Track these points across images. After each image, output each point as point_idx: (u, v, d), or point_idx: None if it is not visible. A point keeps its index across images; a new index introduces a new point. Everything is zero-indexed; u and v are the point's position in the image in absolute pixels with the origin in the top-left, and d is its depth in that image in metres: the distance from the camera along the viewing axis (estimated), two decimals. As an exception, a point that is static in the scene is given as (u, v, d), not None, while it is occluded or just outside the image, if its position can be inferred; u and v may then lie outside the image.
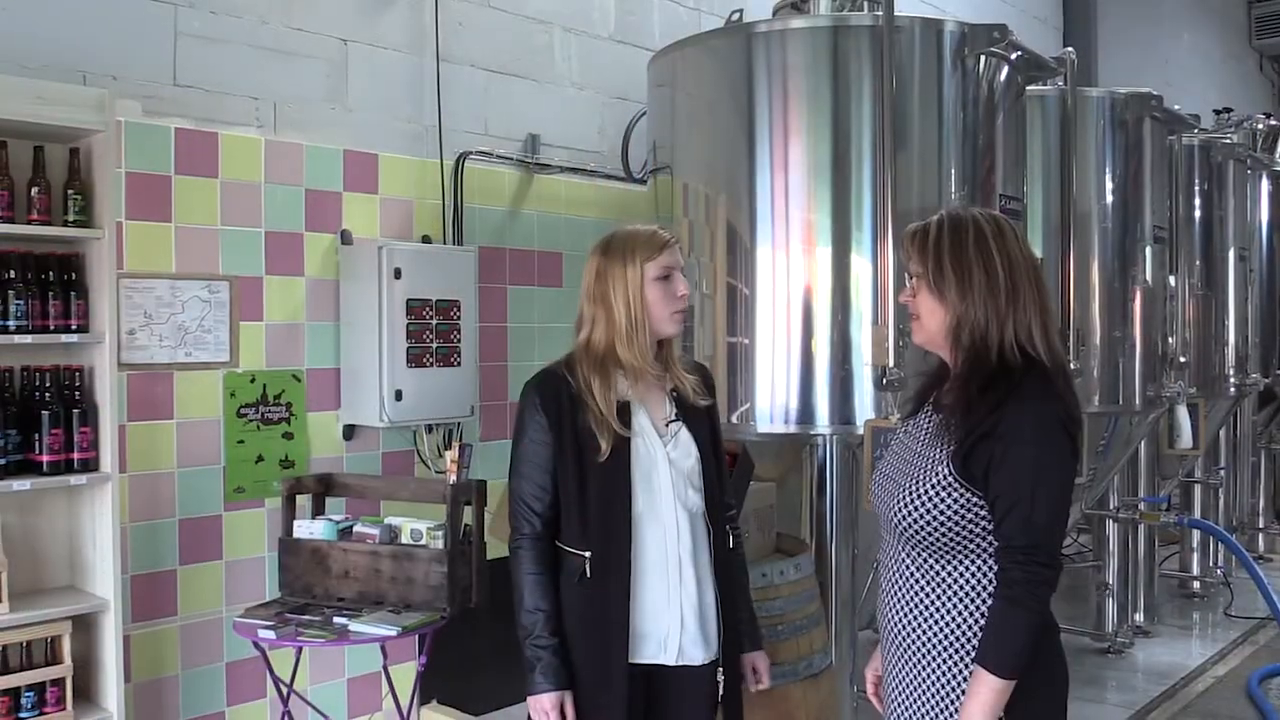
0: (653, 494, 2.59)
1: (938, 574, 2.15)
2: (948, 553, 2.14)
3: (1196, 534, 7.32)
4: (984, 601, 2.11)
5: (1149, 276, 5.67)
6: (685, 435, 2.65)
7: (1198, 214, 6.54)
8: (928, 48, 4.05)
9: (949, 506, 2.10)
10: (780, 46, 4.08)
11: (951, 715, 2.13)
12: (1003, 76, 4.21)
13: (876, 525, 4.17)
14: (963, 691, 2.10)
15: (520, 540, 2.62)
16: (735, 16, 4.61)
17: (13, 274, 3.35)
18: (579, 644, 2.56)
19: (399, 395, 4.24)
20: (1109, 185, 5.49)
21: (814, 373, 4.01)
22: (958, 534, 2.11)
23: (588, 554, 2.55)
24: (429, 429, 4.64)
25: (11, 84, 3.30)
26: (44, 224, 3.38)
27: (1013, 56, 4.19)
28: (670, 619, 2.57)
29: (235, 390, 4.08)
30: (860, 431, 3.88)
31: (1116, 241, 5.49)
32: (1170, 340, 5.91)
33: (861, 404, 3.96)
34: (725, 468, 2.84)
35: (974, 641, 2.11)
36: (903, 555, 2.22)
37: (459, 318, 4.50)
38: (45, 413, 3.35)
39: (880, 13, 3.89)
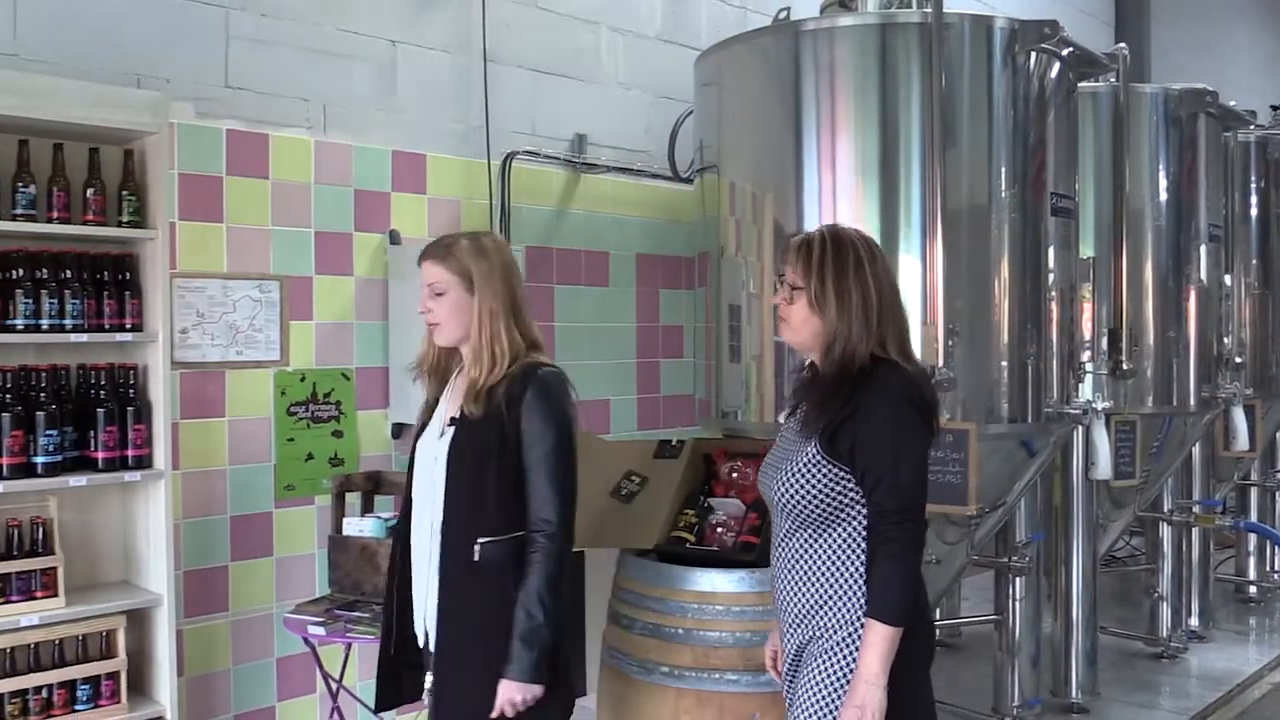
0: (424, 491, 2.80)
1: (816, 544, 2.43)
2: (822, 524, 2.42)
3: (1253, 538, 7.20)
4: (858, 564, 2.39)
5: (1204, 275, 5.58)
6: (447, 441, 2.75)
7: (1254, 211, 6.42)
8: (977, 44, 4.01)
9: (820, 481, 2.39)
10: (828, 44, 4.05)
11: (840, 670, 2.38)
12: (1054, 73, 4.16)
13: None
14: (846, 647, 2.38)
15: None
16: (783, 15, 4.59)
17: (69, 274, 3.41)
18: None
19: (447, 394, 4.26)
20: (1163, 183, 5.40)
21: (862, 372, 3.98)
22: (829, 506, 2.40)
23: None
24: (476, 428, 4.66)
25: (68, 87, 3.35)
26: (99, 224, 3.43)
27: (1064, 53, 4.14)
28: (419, 609, 2.80)
29: (286, 389, 4.12)
30: (908, 431, 3.85)
31: (1171, 240, 5.41)
32: (1226, 340, 5.82)
33: (910, 404, 3.92)
34: (532, 485, 2.68)
35: (850, 601, 2.39)
36: (788, 532, 2.49)
37: (506, 317, 4.50)
38: (101, 410, 3.40)
39: (929, 10, 3.86)
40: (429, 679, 2.76)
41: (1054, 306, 4.17)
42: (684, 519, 3.50)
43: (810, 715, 2.42)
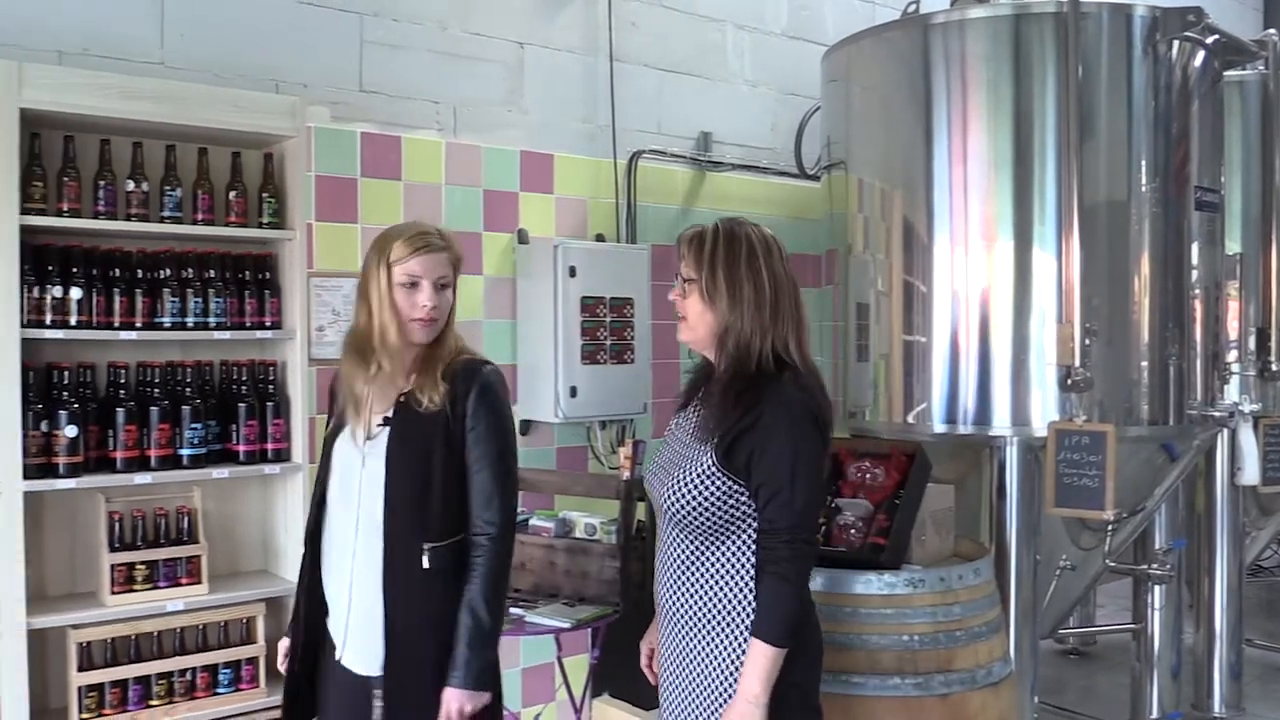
0: (346, 493, 2.58)
1: (705, 554, 2.38)
2: (713, 534, 2.36)
3: None
4: (747, 577, 2.35)
5: (1361, 271, 5.31)
6: (382, 442, 2.53)
7: None
8: (1116, 33, 3.88)
9: (713, 493, 2.33)
10: (959, 36, 3.97)
11: (722, 683, 2.36)
12: (1198, 62, 4.01)
13: (1060, 530, 4.05)
14: (731, 660, 2.35)
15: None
16: (911, 8, 4.52)
17: (213, 273, 3.53)
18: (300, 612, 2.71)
19: (574, 392, 4.30)
20: (1316, 175, 5.16)
21: (993, 372, 3.90)
22: (721, 518, 2.34)
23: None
24: (602, 425, 4.70)
25: (211, 94, 3.48)
26: (241, 226, 3.55)
27: (1209, 40, 3.99)
28: (338, 617, 2.59)
29: (417, 385, 4.19)
30: (1042, 433, 3.75)
31: (1324, 235, 5.16)
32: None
33: (1044, 404, 3.82)
34: (476, 484, 2.54)
35: (738, 614, 2.35)
36: (675, 538, 2.44)
37: (632, 315, 4.54)
38: (242, 405, 3.52)
39: (1065, -1, 3.76)
40: (377, 695, 2.50)
41: (1198, 304, 4.03)
42: (810, 519, 3.46)
43: None
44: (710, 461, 2.34)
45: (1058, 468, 3.67)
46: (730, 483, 2.33)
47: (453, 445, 2.53)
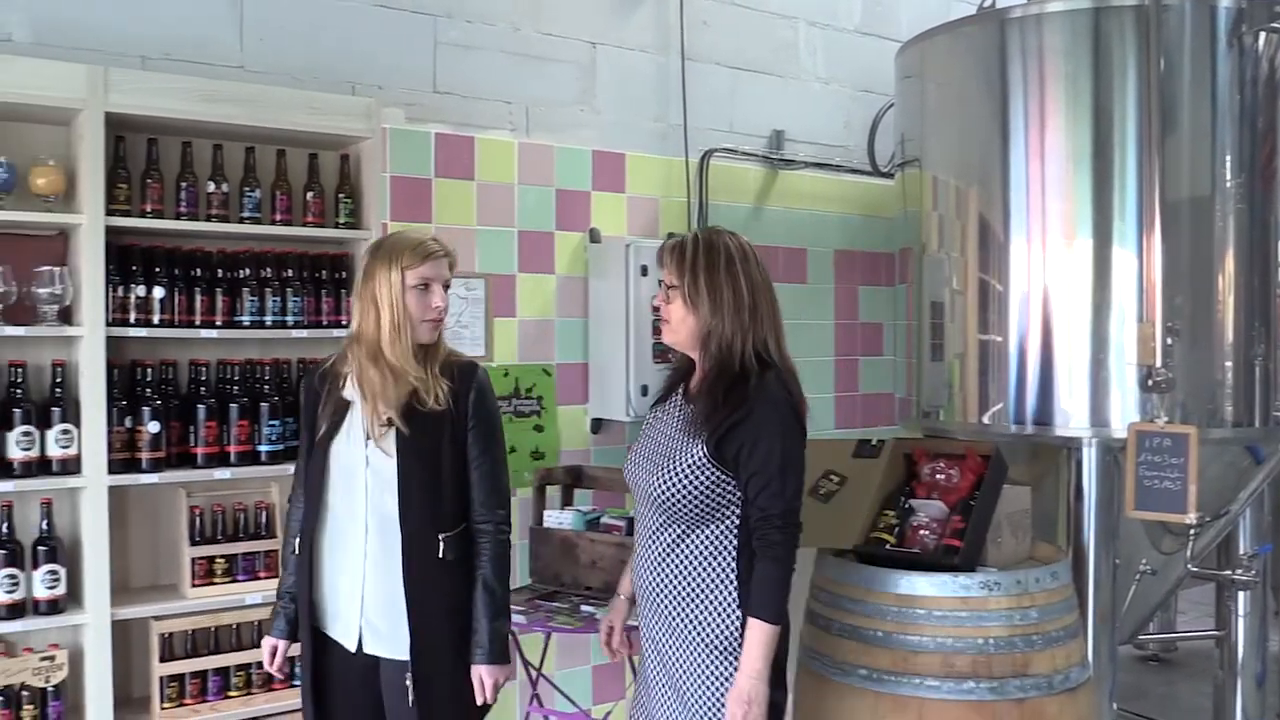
0: (351, 492, 2.69)
1: (688, 538, 2.55)
2: (697, 520, 2.54)
3: None
4: (728, 558, 2.53)
5: None
6: (391, 441, 2.66)
7: None
8: (1200, 25, 3.79)
9: (702, 483, 2.50)
10: (1036, 31, 3.91)
11: (703, 654, 2.53)
12: (1287, 54, 3.90)
13: (1140, 534, 3.97)
14: (711, 633, 2.53)
15: (289, 510, 2.91)
16: (988, 3, 4.46)
17: (290, 273, 3.59)
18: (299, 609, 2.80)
19: (645, 390, 4.31)
20: None
21: (1072, 372, 3.83)
22: (707, 505, 2.52)
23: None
24: (673, 424, 4.69)
25: (289, 96, 3.54)
26: (318, 226, 3.61)
27: (1298, 32, 3.88)
28: (351, 610, 2.69)
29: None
30: (1122, 435, 3.68)
31: None
32: None
33: (1123, 406, 3.75)
34: (480, 477, 2.73)
35: (719, 592, 2.53)
36: (659, 523, 2.59)
37: (703, 314, 4.52)
38: (318, 403, 3.58)
39: (1147, -9, 3.68)
40: (408, 677, 2.64)
41: (1286, 303, 3.92)
42: (884, 520, 3.43)
43: (703, 711, 2.54)
44: (701, 453, 2.50)
45: (1138, 470, 3.59)
46: (719, 473, 2.50)
47: (456, 440, 2.70)
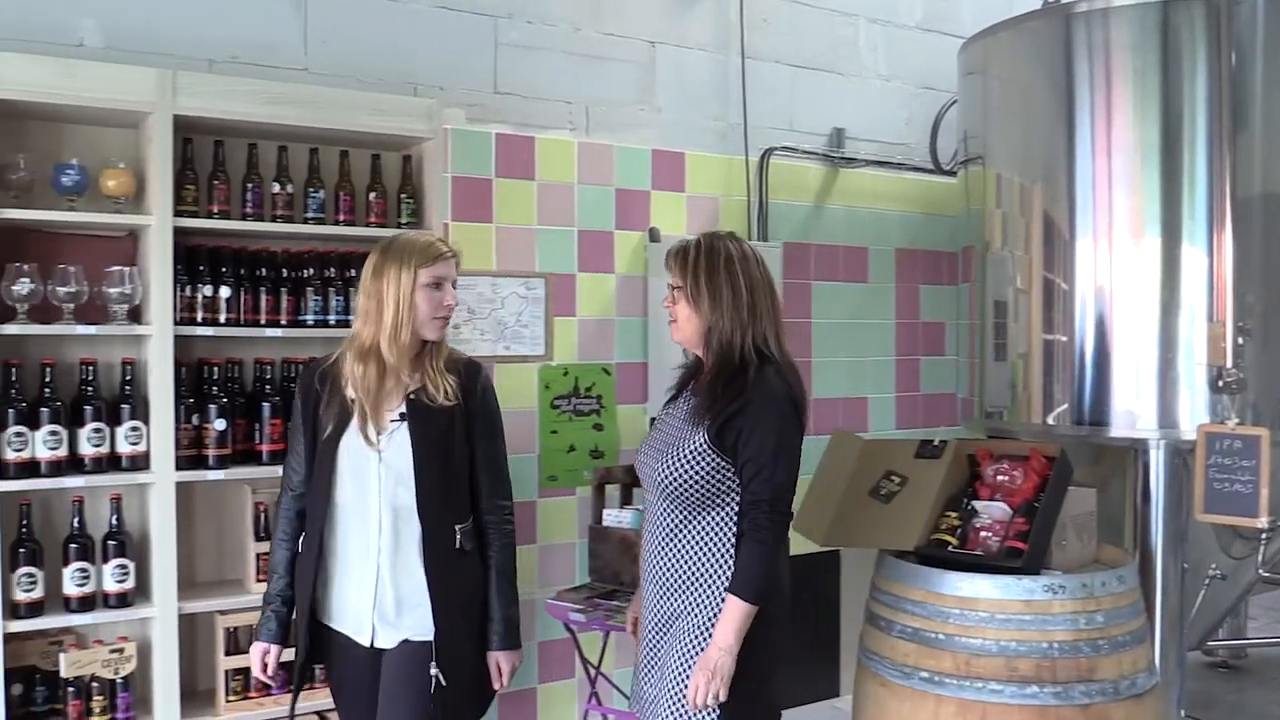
0: (361, 488, 2.70)
1: (689, 523, 2.66)
2: (698, 505, 2.64)
3: None
4: (727, 544, 2.62)
5: None
6: (402, 435, 2.68)
7: None
8: (1272, 18, 3.71)
9: (703, 468, 2.60)
10: (1103, 25, 3.85)
11: (698, 637, 2.61)
12: (1364, 46, 3.81)
13: (1210, 538, 3.90)
14: (709, 617, 2.60)
15: (277, 509, 2.86)
16: (1053, -2, 4.39)
17: (354, 272, 3.62)
18: (297, 608, 2.79)
19: (703, 390, 4.30)
20: None
21: (1139, 372, 3.77)
22: (707, 490, 2.62)
23: (305, 532, 2.79)
24: (732, 424, 4.68)
25: (353, 98, 3.57)
26: (381, 226, 3.64)
27: (1376, 23, 3.78)
28: (364, 605, 2.70)
29: (549, 383, 4.26)
30: (1190, 436, 3.61)
31: None
32: None
33: (1192, 406, 3.68)
34: (487, 467, 2.81)
35: (717, 575, 2.61)
36: (663, 509, 2.70)
37: (763, 313, 4.51)
38: (380, 401, 3.61)
39: (1218, -16, 3.61)
40: (433, 667, 2.65)
41: (1362, 302, 3.83)
42: (946, 521, 3.40)
43: (674, 678, 2.63)
44: (702, 440, 2.61)
45: (1207, 472, 3.53)
46: (718, 459, 2.60)
47: (464, 434, 2.76)
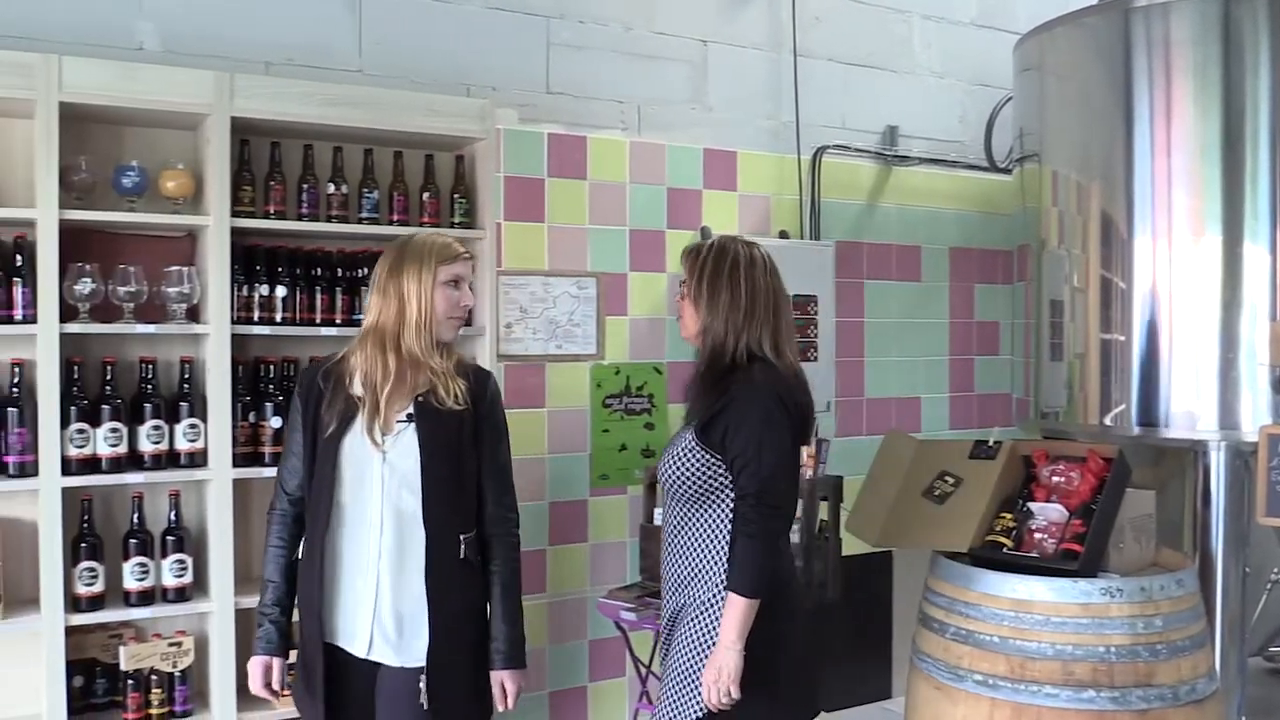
0: (362, 491, 2.61)
1: (690, 520, 2.73)
2: (695, 502, 2.71)
3: None
4: (723, 540, 2.67)
5: None
6: (410, 437, 2.60)
7: None
8: (1341, 11, 3.64)
9: (693, 465, 2.67)
10: (1163, 20, 3.79)
11: (700, 632, 2.66)
12: None
13: (1272, 541, 3.83)
14: (708, 612, 2.65)
15: (271, 515, 2.75)
16: (1111, -8, 4.32)
17: (407, 272, 3.65)
18: (302, 618, 2.68)
19: (755, 389, 4.29)
20: None
21: (1199, 373, 3.70)
22: (701, 487, 2.68)
23: (305, 536, 2.68)
24: (783, 423, 4.66)
25: (406, 99, 3.60)
26: (434, 226, 3.66)
27: None
28: (362, 614, 2.60)
29: (601, 381, 4.26)
30: (1252, 438, 3.55)
31: None
32: None
33: (1254, 407, 3.61)
34: (494, 476, 2.73)
35: (714, 572, 2.67)
36: (670, 508, 2.80)
37: (816, 313, 4.49)
38: (433, 400, 3.63)
39: (1283, -24, 3.54)
40: (423, 680, 2.55)
41: None
42: (1000, 523, 3.36)
43: (679, 675, 2.69)
44: (691, 438, 2.68)
45: (1269, 474, 3.46)
46: (707, 455, 2.65)
47: (472, 440, 2.69)
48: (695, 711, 2.63)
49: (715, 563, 2.67)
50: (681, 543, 2.75)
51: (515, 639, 2.72)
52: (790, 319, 2.81)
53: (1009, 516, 3.37)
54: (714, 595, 2.65)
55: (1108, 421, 3.88)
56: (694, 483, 2.68)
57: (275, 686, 2.73)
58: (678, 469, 2.71)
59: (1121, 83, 3.87)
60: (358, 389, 2.63)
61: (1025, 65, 4.36)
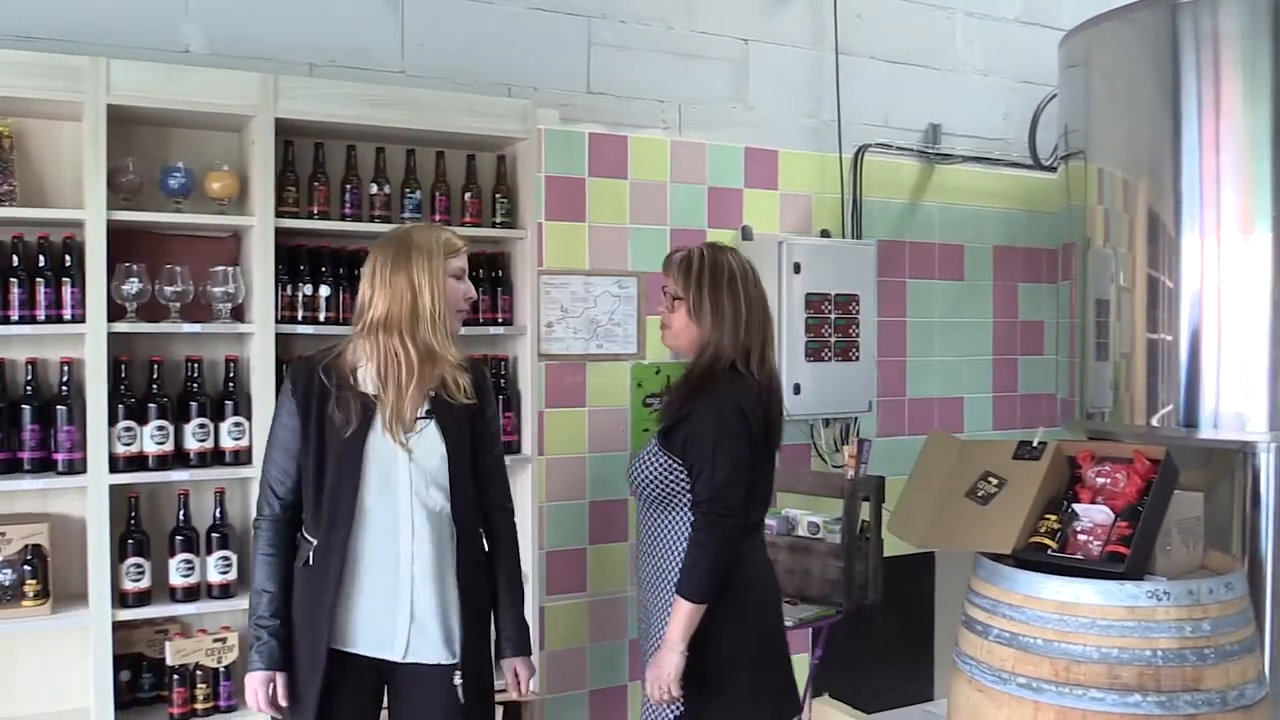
0: (389, 488, 2.53)
1: (655, 522, 2.83)
2: (658, 505, 2.80)
3: None
4: (681, 543, 2.74)
5: None
6: (433, 433, 2.57)
7: None
8: (1392, 2, 3.57)
9: (655, 469, 2.76)
10: (1211, 14, 3.73)
11: (659, 632, 2.73)
12: None
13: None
14: (666, 613, 2.72)
15: (259, 521, 2.62)
16: (1158, -13, 4.27)
17: (449, 272, 3.67)
18: (298, 627, 2.56)
19: (797, 389, 4.27)
20: None
21: (1249, 373, 3.65)
22: (662, 490, 2.77)
23: (315, 541, 2.54)
24: (826, 423, 4.65)
25: (448, 99, 3.62)
26: (476, 225, 3.68)
27: None
28: (399, 615, 2.54)
29: (641, 381, 4.26)
30: (1304, 438, 3.49)
31: None
32: None
33: (1306, 408, 3.56)
34: (494, 469, 2.75)
35: (672, 574, 2.74)
36: (639, 510, 2.90)
37: (857, 312, 4.47)
38: (475, 399, 3.65)
39: (1335, -30, 3.48)
40: (458, 676, 2.54)
41: None
42: (1045, 524, 3.32)
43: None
44: (655, 443, 2.79)
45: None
46: (668, 460, 2.74)
47: (478, 433, 2.68)
48: (673, 711, 2.72)
49: (671, 566, 2.76)
50: (649, 544, 2.85)
51: (523, 627, 2.76)
52: (773, 326, 2.90)
53: (1053, 518, 3.34)
54: (671, 599, 2.73)
55: (1154, 422, 3.83)
56: (658, 486, 2.77)
57: (282, 703, 2.56)
58: (643, 473, 2.80)
59: (1169, 78, 3.82)
60: (368, 386, 2.55)
61: (1071, 61, 4.31)
